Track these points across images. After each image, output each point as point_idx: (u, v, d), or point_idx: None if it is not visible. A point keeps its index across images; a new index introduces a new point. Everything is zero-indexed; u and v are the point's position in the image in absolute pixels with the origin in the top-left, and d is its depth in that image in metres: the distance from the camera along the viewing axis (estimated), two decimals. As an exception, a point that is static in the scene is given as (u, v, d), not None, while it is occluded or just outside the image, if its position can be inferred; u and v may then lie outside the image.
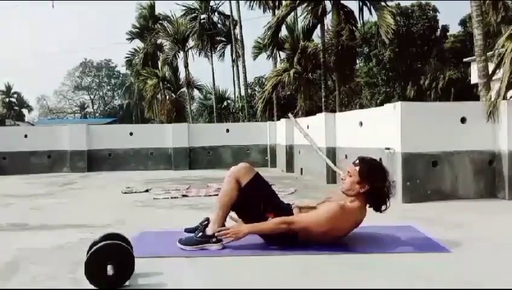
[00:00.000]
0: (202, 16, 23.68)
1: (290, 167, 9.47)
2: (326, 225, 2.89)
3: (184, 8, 24.02)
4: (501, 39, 5.59)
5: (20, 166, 10.48)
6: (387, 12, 13.22)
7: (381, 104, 16.20)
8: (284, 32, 17.01)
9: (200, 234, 2.99)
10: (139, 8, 28.43)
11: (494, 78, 6.46)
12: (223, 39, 24.95)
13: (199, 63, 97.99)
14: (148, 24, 27.70)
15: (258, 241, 3.04)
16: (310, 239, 2.97)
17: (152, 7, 28.09)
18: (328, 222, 2.88)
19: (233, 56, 23.73)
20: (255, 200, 3.05)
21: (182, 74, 25.42)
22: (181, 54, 24.55)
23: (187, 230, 3.22)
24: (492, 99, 5.21)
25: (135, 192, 6.42)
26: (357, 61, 24.51)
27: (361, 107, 27.68)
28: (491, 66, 8.24)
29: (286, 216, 3.00)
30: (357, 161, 3.05)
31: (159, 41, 26.60)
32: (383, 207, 3.01)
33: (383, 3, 13.69)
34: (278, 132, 10.65)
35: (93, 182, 8.26)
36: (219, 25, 24.55)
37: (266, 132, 11.20)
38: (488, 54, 8.43)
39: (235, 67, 24.15)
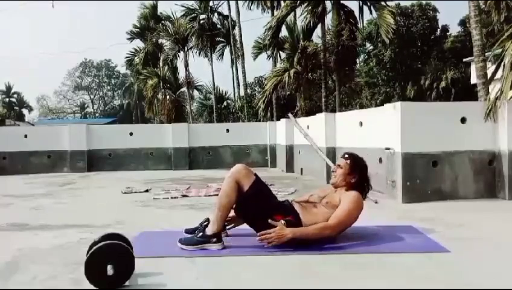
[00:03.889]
0: (202, 16, 23.70)
1: (290, 167, 9.47)
2: (356, 214, 3.13)
3: (184, 8, 24.05)
4: (502, 39, 5.56)
5: (20, 166, 10.49)
6: (387, 12, 13.22)
7: (381, 104, 16.20)
8: (284, 32, 17.02)
9: (200, 234, 3.00)
10: (142, 8, 28.39)
11: (494, 78, 6.45)
12: (222, 40, 24.95)
13: (199, 63, 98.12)
14: (149, 24, 27.67)
15: (257, 241, 3.04)
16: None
17: (155, 7, 28.06)
18: (358, 211, 3.13)
19: (233, 56, 23.75)
20: (258, 202, 3.06)
21: (182, 74, 25.46)
22: (181, 54, 24.58)
23: (187, 231, 3.23)
24: (492, 99, 5.20)
25: (135, 192, 6.42)
26: (358, 61, 24.52)
27: (361, 107, 27.69)
28: (492, 67, 8.24)
29: (289, 215, 3.02)
30: (346, 155, 3.38)
31: (159, 41, 26.60)
32: (366, 195, 3.34)
33: (383, 3, 13.69)
34: (278, 132, 10.65)
35: (93, 182, 8.26)
36: (218, 26, 24.55)
37: (266, 132, 11.20)
38: (488, 54, 8.42)
39: (234, 68, 24.19)
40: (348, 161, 3.31)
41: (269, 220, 2.98)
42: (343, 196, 3.18)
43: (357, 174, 3.26)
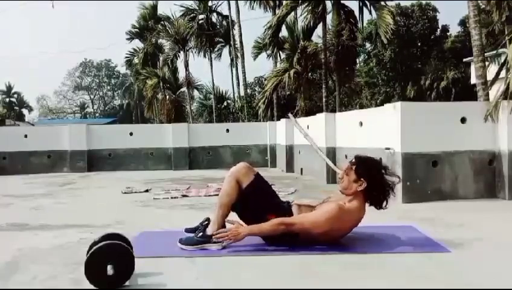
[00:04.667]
0: (200, 16, 23.68)
1: (290, 167, 9.47)
2: (325, 225, 2.87)
3: (183, 8, 24.03)
4: (506, 39, 5.54)
5: (20, 166, 10.49)
6: (386, 12, 13.23)
7: (381, 104, 16.20)
8: (284, 32, 17.03)
9: (201, 234, 2.99)
10: (142, 8, 28.35)
11: (498, 78, 6.42)
12: (221, 40, 24.93)
13: (199, 63, 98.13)
14: (148, 24, 27.64)
15: (258, 241, 3.05)
16: (311, 239, 2.97)
17: (154, 7, 28.02)
18: (327, 223, 2.87)
19: (232, 56, 23.74)
20: (256, 201, 3.05)
21: (182, 74, 25.44)
22: (181, 54, 24.56)
23: (187, 230, 3.22)
24: (494, 99, 5.19)
25: (135, 192, 6.42)
26: (358, 61, 24.50)
27: (361, 107, 27.70)
28: (493, 67, 8.21)
29: (285, 216, 2.99)
30: (354, 160, 3.05)
31: (159, 41, 26.59)
32: (384, 204, 2.99)
33: (382, 3, 13.69)
34: (278, 132, 10.65)
35: (93, 182, 8.26)
36: (218, 26, 24.53)
37: (266, 132, 11.20)
38: (490, 53, 8.39)
39: (234, 68, 24.19)
40: (354, 166, 2.98)
41: (225, 219, 2.98)
42: (326, 204, 3.03)
43: (365, 181, 2.92)
